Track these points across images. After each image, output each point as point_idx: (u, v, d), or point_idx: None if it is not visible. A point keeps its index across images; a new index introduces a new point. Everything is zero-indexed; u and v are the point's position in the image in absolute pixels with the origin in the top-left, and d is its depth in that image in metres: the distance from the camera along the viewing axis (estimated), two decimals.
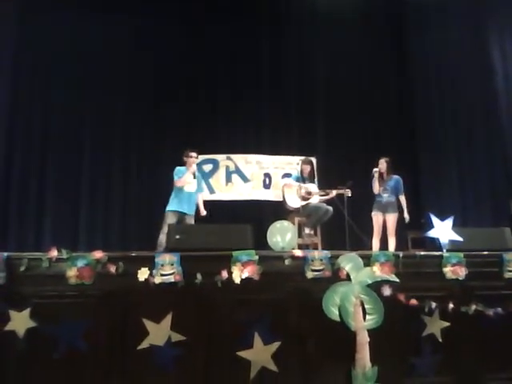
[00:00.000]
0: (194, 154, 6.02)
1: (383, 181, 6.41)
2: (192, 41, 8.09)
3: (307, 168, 6.73)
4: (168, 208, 5.83)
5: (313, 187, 6.69)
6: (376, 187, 6.39)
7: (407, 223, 6.43)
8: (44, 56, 7.52)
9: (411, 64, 8.66)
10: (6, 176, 7.03)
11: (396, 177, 6.44)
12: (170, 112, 8.01)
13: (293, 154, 7.80)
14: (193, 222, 5.91)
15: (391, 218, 6.28)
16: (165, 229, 5.60)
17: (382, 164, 6.47)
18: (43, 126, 7.51)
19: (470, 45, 7.86)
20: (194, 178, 6.00)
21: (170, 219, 5.73)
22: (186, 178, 5.85)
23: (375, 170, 6.41)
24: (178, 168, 5.95)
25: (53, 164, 7.42)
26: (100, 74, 7.78)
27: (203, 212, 6.10)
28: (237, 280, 3.46)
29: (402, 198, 6.35)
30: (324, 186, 6.84)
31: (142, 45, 7.92)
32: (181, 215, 5.81)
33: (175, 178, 5.86)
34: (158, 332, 3.35)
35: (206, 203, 6.87)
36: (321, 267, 3.67)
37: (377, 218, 6.34)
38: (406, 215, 6.30)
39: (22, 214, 7.08)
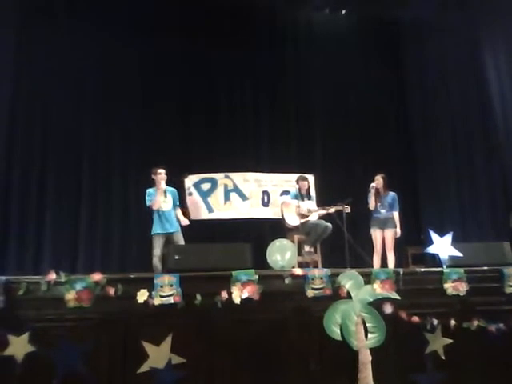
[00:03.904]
0: (161, 171, 5.87)
1: (380, 196, 6.42)
2: (191, 59, 8.12)
3: (304, 185, 6.74)
4: (153, 231, 5.81)
5: (311, 204, 6.69)
6: (372, 203, 6.39)
7: (404, 239, 6.46)
8: (43, 70, 7.46)
9: (408, 80, 8.70)
10: (4, 198, 7.00)
11: (392, 193, 6.45)
12: (167, 131, 8.00)
13: (291, 172, 7.78)
14: (181, 237, 5.86)
15: (390, 234, 6.27)
16: (156, 251, 5.63)
17: (379, 180, 6.48)
18: (42, 147, 7.44)
19: (465, 63, 7.94)
20: (165, 196, 5.91)
21: (158, 242, 5.71)
22: (158, 199, 5.79)
23: (372, 185, 6.42)
24: (148, 190, 5.87)
25: (51, 185, 7.36)
26: (99, 91, 7.76)
27: (184, 221, 6.00)
28: (237, 300, 3.45)
29: (396, 215, 6.35)
30: (323, 203, 6.83)
31: (139, 60, 7.92)
32: (167, 235, 5.78)
33: (147, 201, 5.81)
34: (158, 355, 3.32)
35: (205, 222, 6.86)
36: (321, 286, 3.66)
37: (376, 234, 6.33)
38: (399, 230, 6.30)
39: (21, 236, 7.02)
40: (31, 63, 7.35)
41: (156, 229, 5.78)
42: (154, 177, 5.90)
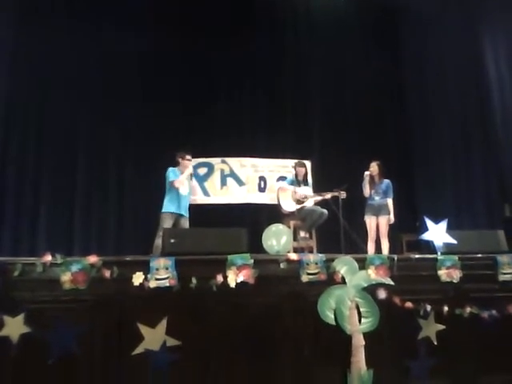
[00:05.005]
0: (189, 157, 6.10)
1: (375, 184, 6.45)
2: (189, 47, 8.05)
3: (301, 171, 6.74)
4: (164, 210, 5.82)
5: (307, 190, 6.70)
6: (367, 190, 6.43)
7: (398, 226, 6.53)
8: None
9: (406, 69, 8.68)
10: (0, 182, 6.97)
11: (386, 180, 6.49)
12: (164, 116, 7.96)
13: (288, 157, 7.78)
14: (187, 224, 5.90)
15: (383, 221, 6.31)
16: (161, 232, 5.61)
17: (374, 167, 6.50)
18: (38, 134, 7.42)
19: (464, 55, 7.90)
20: (191, 179, 6.12)
21: (167, 221, 5.71)
22: (183, 179, 5.90)
23: (366, 173, 6.45)
24: (171, 169, 5.97)
25: (47, 169, 7.34)
26: (96, 81, 7.69)
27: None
28: (232, 284, 3.46)
29: (390, 201, 6.39)
30: (320, 189, 6.84)
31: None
32: (177, 217, 5.81)
33: (170, 178, 5.87)
34: (153, 337, 3.34)
35: (201, 207, 6.87)
36: (316, 271, 3.67)
37: (370, 221, 6.36)
38: (392, 217, 6.34)
39: (17, 219, 7.02)
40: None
41: (168, 207, 5.82)
42: (180, 160, 6.06)
